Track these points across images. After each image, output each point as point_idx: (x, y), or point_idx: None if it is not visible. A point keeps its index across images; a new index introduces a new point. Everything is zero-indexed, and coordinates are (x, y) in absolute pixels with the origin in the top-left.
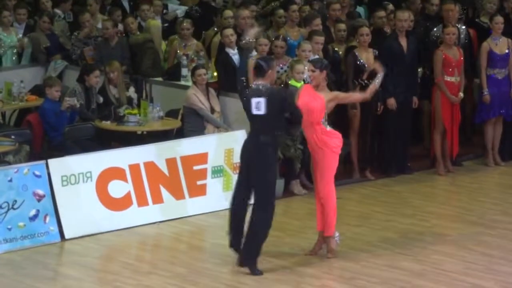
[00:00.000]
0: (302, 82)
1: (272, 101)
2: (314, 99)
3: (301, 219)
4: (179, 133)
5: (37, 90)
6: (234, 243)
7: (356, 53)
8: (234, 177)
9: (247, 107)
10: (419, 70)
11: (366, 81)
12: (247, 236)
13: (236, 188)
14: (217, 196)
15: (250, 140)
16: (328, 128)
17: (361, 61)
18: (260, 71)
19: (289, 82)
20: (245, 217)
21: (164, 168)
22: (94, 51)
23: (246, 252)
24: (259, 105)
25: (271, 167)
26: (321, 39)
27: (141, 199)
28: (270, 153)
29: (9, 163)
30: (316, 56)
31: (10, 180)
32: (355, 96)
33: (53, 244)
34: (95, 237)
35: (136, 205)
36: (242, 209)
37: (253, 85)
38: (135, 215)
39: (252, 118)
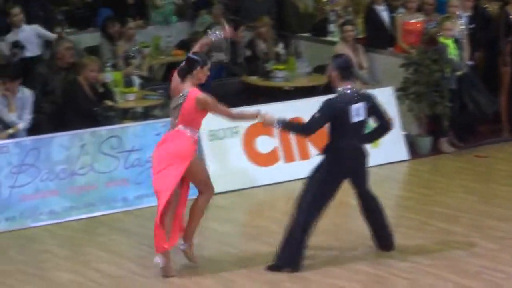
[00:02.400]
0: (452, 39)
1: (368, 104)
2: None
3: (449, 177)
4: (327, 89)
5: (184, 45)
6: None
7: (508, 10)
8: None
9: (341, 115)
10: None
11: None
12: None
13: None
14: None
15: (353, 148)
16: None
17: None
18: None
19: (439, 38)
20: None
21: None
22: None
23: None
24: (359, 112)
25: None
26: None
27: (288, 155)
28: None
29: (156, 117)
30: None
31: (158, 134)
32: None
33: None
34: (242, 192)
35: (283, 161)
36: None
37: (343, 89)
38: (282, 171)
39: (349, 125)
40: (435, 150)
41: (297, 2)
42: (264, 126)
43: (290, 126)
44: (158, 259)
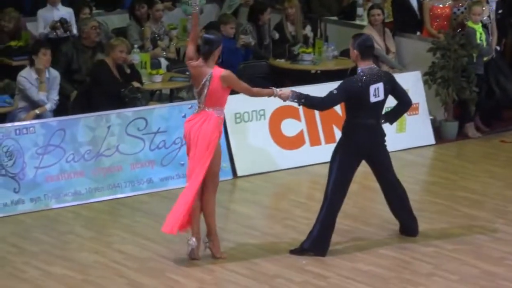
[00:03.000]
0: (480, 24)
1: (388, 84)
2: None
3: (475, 162)
4: (354, 73)
5: (212, 27)
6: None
7: None
8: (407, 118)
9: (359, 95)
10: None
11: None
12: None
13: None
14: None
15: (369, 127)
16: None
17: None
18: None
19: (467, 23)
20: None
21: (337, 107)
22: None
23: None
24: (377, 92)
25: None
26: None
27: (314, 138)
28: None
29: (182, 99)
30: None
31: (184, 116)
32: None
33: (225, 181)
34: (267, 175)
35: (309, 144)
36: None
37: (363, 70)
38: (307, 154)
39: (367, 105)
40: (461, 135)
41: None
42: (283, 100)
43: (306, 100)
44: (193, 241)
